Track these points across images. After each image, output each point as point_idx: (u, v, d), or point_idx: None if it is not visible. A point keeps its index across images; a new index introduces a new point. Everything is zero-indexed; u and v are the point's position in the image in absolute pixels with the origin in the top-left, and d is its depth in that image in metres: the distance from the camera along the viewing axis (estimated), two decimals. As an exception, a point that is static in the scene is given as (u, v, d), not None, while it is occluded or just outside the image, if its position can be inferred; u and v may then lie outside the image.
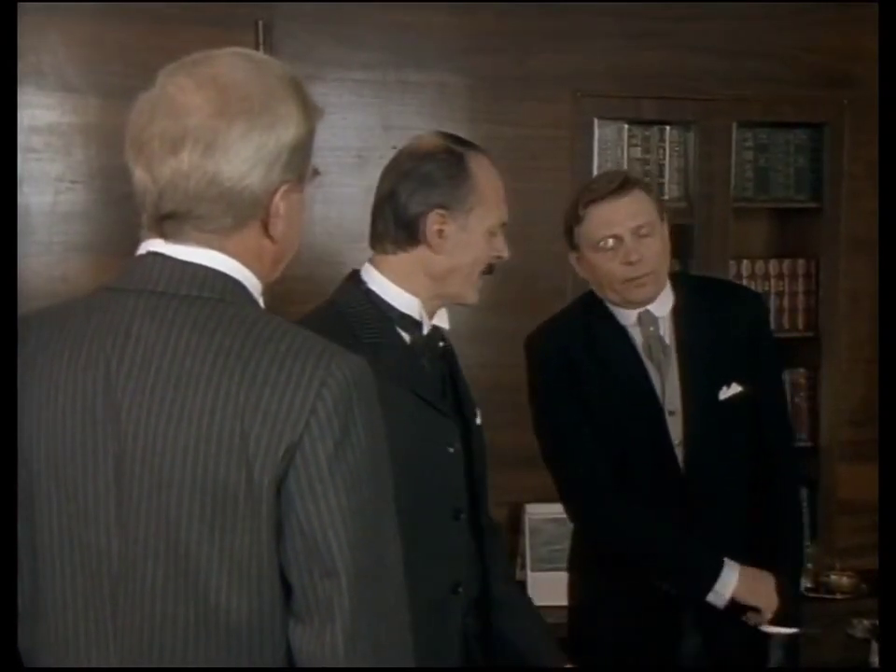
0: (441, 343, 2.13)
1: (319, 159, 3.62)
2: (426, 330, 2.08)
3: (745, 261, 3.89)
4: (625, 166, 3.80)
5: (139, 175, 1.44)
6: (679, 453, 2.51)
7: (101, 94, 3.34)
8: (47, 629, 1.47)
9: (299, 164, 1.48)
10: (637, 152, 3.84)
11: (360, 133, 3.58)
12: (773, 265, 3.94)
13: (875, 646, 3.36)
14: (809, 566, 3.77)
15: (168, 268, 1.44)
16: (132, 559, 1.41)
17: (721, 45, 3.78)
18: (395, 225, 2.04)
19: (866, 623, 3.35)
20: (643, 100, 3.75)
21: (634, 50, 3.72)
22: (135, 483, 1.40)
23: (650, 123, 3.84)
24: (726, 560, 2.48)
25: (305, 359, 1.38)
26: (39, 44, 3.34)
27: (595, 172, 3.73)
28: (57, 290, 3.27)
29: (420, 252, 2.04)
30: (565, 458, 2.56)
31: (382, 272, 2.07)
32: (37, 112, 3.35)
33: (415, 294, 2.06)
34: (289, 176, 1.46)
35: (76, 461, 1.43)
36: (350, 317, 2.03)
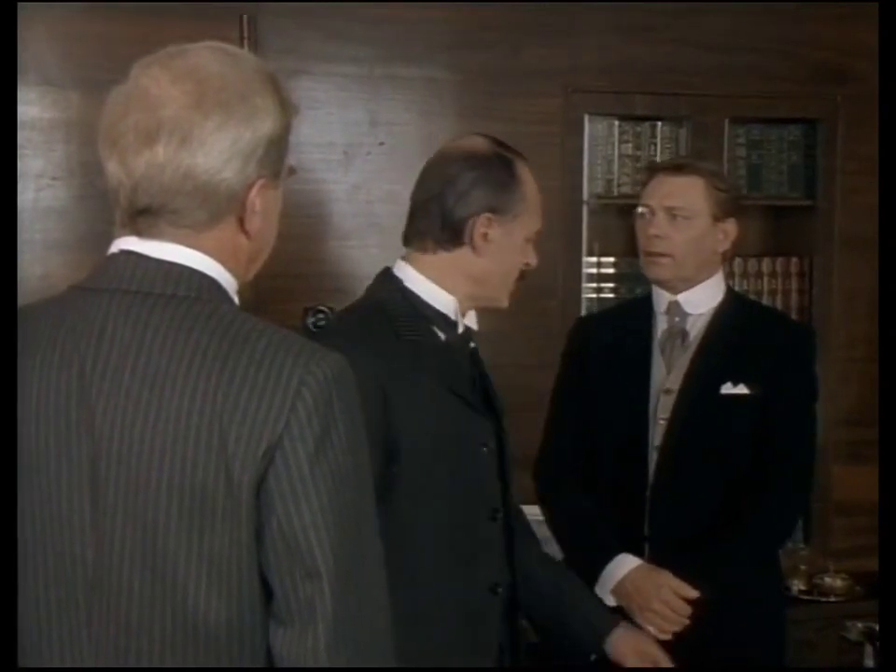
0: (471, 344, 2.15)
1: (305, 155, 3.60)
2: (460, 330, 2.10)
3: (738, 259, 3.84)
4: (616, 163, 3.77)
5: (112, 169, 1.41)
6: (657, 430, 2.52)
7: (82, 89, 3.28)
8: (21, 636, 1.43)
9: (275, 160, 1.46)
10: (629, 148, 3.80)
11: (347, 128, 3.53)
12: (766, 263, 3.90)
13: (868, 649, 3.33)
14: (803, 567, 3.73)
15: (141, 266, 1.41)
16: (107, 565, 1.38)
17: (714, 40, 3.74)
18: (441, 225, 2.05)
19: (860, 625, 3.31)
20: (635, 95, 3.71)
21: (625, 45, 3.67)
22: (110, 487, 1.37)
23: (641, 119, 3.80)
24: (626, 554, 2.46)
25: (284, 358, 1.36)
26: (22, 39, 3.27)
27: (586, 168, 3.70)
28: (37, 288, 3.21)
29: (462, 253, 2.06)
30: (543, 436, 2.69)
31: (419, 270, 2.08)
32: (19, 108, 3.29)
33: (452, 294, 2.08)
34: (265, 171, 1.44)
35: (49, 465, 1.40)
36: (390, 314, 2.04)
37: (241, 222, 1.44)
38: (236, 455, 1.33)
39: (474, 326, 2.15)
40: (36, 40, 3.30)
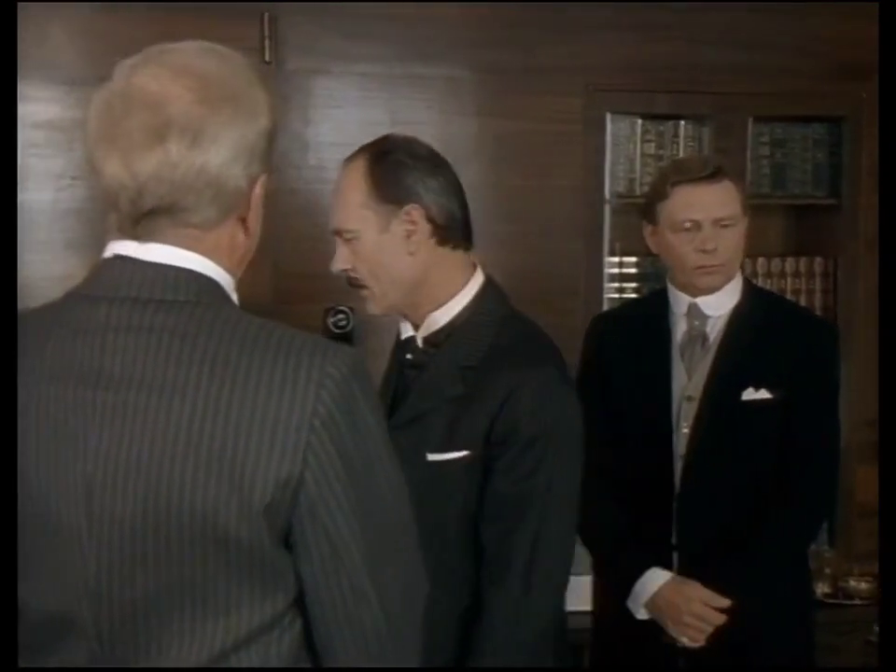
0: (407, 355, 2.09)
1: (324, 155, 3.58)
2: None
3: (760, 259, 3.81)
4: (638, 162, 3.74)
5: (113, 170, 1.35)
6: (681, 438, 2.49)
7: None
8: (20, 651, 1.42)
9: (269, 155, 1.44)
10: (651, 147, 3.77)
11: (366, 128, 3.49)
12: (790, 263, 3.86)
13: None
14: (827, 570, 3.70)
15: (139, 271, 1.37)
16: (109, 573, 1.35)
17: (737, 37, 3.70)
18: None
19: (885, 628, 3.28)
20: (657, 94, 3.68)
21: (647, 43, 3.64)
22: (116, 503, 1.33)
23: (663, 118, 3.77)
24: (656, 568, 2.45)
25: (298, 359, 1.33)
26: (42, 37, 3.28)
27: (608, 168, 3.67)
28: (56, 289, 3.21)
29: None
30: None
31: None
32: (40, 107, 3.29)
33: None
34: (264, 168, 1.42)
35: (48, 479, 1.35)
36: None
37: (241, 219, 1.42)
38: (258, 466, 1.30)
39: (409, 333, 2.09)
40: (58, 40, 3.30)
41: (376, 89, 3.52)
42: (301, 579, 1.38)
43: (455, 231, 2.01)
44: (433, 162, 2.02)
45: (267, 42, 3.33)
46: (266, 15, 3.35)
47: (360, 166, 2.01)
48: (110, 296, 1.37)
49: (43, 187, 3.28)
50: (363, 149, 2.05)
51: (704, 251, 2.45)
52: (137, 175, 1.34)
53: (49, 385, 1.36)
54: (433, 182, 1.99)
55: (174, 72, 1.36)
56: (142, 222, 1.37)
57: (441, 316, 2.02)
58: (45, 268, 3.27)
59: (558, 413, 1.91)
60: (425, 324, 2.03)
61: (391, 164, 1.99)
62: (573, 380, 2.06)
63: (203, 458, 1.30)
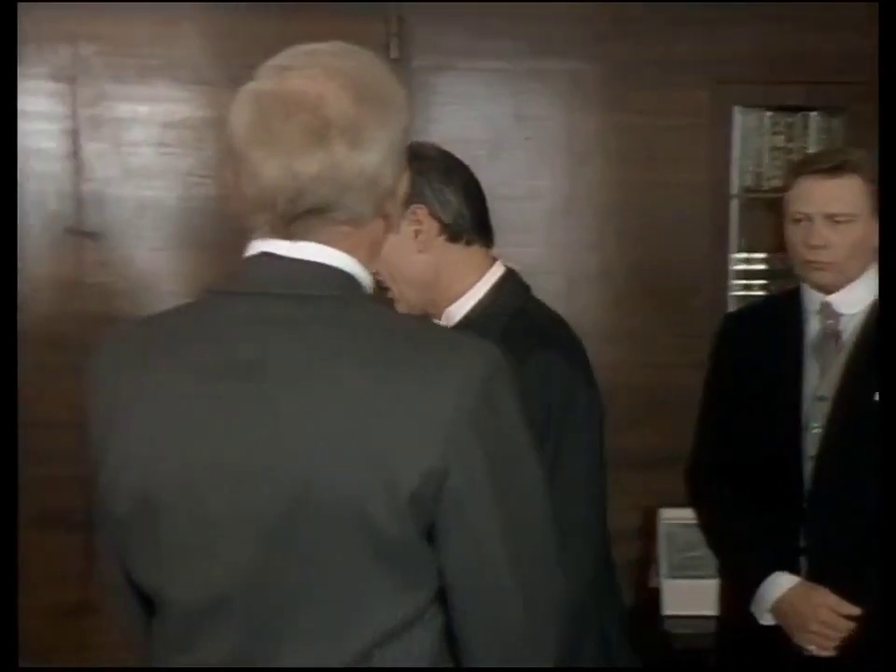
0: None
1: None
2: None
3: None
4: (766, 155, 3.67)
5: (273, 173, 1.36)
6: (811, 438, 2.42)
7: (232, 87, 3.32)
8: (157, 648, 1.45)
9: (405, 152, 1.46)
10: (780, 140, 3.70)
11: (491, 123, 3.50)
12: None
13: None
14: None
15: (284, 268, 1.39)
16: (264, 573, 1.35)
17: (870, 24, 3.60)
18: None
19: None
20: (786, 86, 3.60)
21: (776, 34, 3.56)
22: (264, 494, 1.34)
23: (793, 109, 3.69)
24: (782, 572, 2.38)
25: (441, 352, 1.35)
26: (172, 38, 3.34)
27: (736, 163, 3.61)
28: (183, 285, 3.27)
29: None
30: (694, 442, 2.59)
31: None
32: (170, 106, 3.35)
33: None
34: (405, 164, 1.45)
35: (196, 471, 1.37)
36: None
37: (387, 216, 1.44)
38: (404, 457, 1.31)
39: None
40: (187, 39, 3.35)
41: (500, 84, 3.51)
42: (441, 574, 1.38)
43: (464, 228, 2.06)
44: (443, 163, 2.09)
45: (393, 40, 3.34)
46: (392, 14, 3.36)
47: None
48: (255, 292, 1.39)
49: (172, 185, 3.34)
50: None
51: (811, 246, 2.38)
52: (299, 176, 1.35)
53: (196, 382, 1.37)
54: (439, 183, 2.05)
55: (327, 73, 1.38)
56: (298, 221, 1.38)
57: (457, 311, 2.07)
58: (173, 264, 3.33)
59: (559, 398, 1.91)
60: (443, 320, 2.08)
61: None
62: (584, 366, 2.02)
63: (350, 451, 1.31)
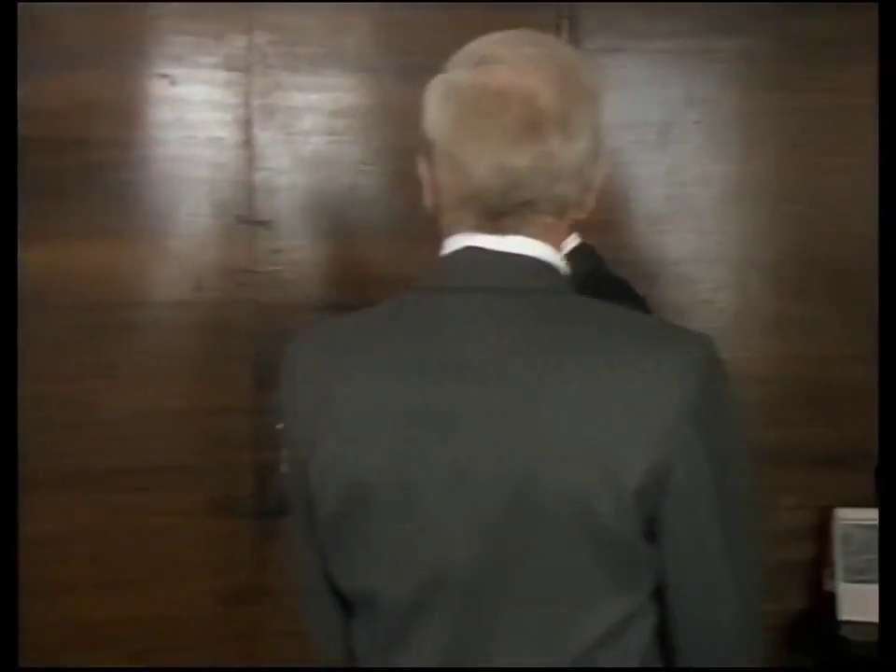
0: None
1: (618, 136, 3.50)
2: None
3: None
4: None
5: (485, 167, 1.35)
6: None
7: (396, 75, 3.33)
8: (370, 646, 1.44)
9: None
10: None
11: (662, 106, 3.42)
12: None
13: None
14: None
15: (493, 262, 1.39)
16: (482, 570, 1.34)
17: None
18: None
19: None
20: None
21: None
22: (484, 491, 1.33)
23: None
24: None
25: (661, 345, 1.34)
26: (343, 26, 3.35)
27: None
28: (353, 275, 3.29)
29: None
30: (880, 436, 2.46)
31: None
32: (338, 95, 3.37)
33: None
34: (602, 150, 1.44)
35: (410, 469, 1.36)
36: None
37: (582, 204, 1.43)
38: (628, 453, 1.29)
39: None
40: (355, 29, 3.37)
41: (670, 66, 3.42)
42: (661, 571, 1.36)
43: None
44: None
45: (564, 22, 3.30)
46: (562, -4, 3.32)
47: None
48: (466, 287, 1.38)
49: (341, 174, 3.36)
50: None
51: None
52: (513, 171, 1.35)
53: (407, 380, 1.36)
54: None
55: (532, 63, 1.37)
56: (505, 216, 1.38)
57: None
58: (342, 252, 3.36)
59: None
60: None
61: None
62: None
63: (572, 447, 1.30)
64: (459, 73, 1.39)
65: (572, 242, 2.21)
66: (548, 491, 1.30)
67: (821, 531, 3.40)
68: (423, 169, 1.46)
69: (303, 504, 1.45)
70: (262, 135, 3.31)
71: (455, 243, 1.41)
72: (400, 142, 3.29)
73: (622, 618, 1.34)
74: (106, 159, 3.20)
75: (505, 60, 1.37)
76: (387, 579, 1.39)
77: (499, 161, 1.34)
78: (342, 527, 1.40)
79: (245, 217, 3.29)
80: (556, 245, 1.42)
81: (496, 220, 1.38)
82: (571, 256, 2.16)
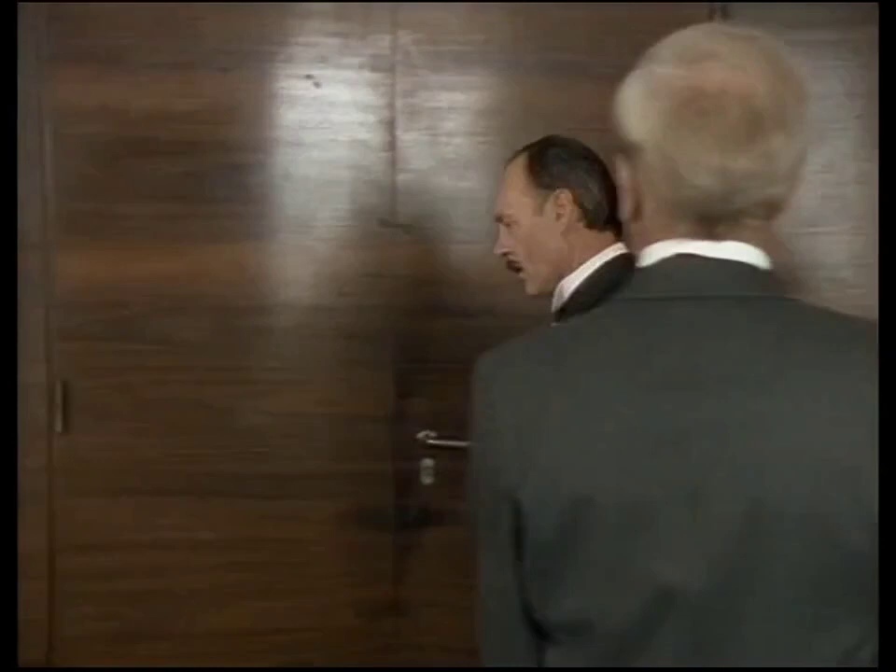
0: None
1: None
2: None
3: None
4: None
5: (705, 174, 1.30)
6: None
7: (541, 72, 3.24)
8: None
9: None
10: None
11: (820, 101, 3.27)
12: None
13: None
14: None
15: (710, 269, 1.33)
16: (711, 580, 1.28)
17: None
18: None
19: None
20: None
21: None
22: (722, 507, 1.27)
23: None
24: None
25: (871, 346, 1.28)
26: (486, 23, 3.29)
27: None
28: (495, 281, 3.22)
29: None
30: None
31: None
32: (484, 94, 3.31)
33: None
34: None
35: (641, 484, 1.29)
36: None
37: (787, 206, 1.37)
38: (872, 469, 1.23)
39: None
40: (500, 25, 3.29)
41: (830, 57, 3.28)
42: None
43: (601, 216, 2.31)
44: (586, 157, 2.33)
45: (717, 13, 3.19)
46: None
47: (522, 161, 2.39)
48: (685, 296, 1.33)
49: (485, 175, 3.30)
50: (526, 148, 2.43)
51: None
52: (736, 174, 1.29)
53: (633, 392, 1.30)
54: (583, 172, 2.31)
55: (748, 59, 1.30)
56: (722, 220, 1.33)
57: (571, 283, 2.31)
58: (484, 258, 3.28)
59: None
60: (557, 291, 2.34)
61: (548, 157, 2.36)
62: None
63: (812, 463, 1.24)
64: (668, 69, 1.32)
65: (614, 251, 2.28)
66: (787, 512, 1.24)
67: None
68: (623, 174, 1.40)
69: (505, 527, 1.38)
70: (406, 137, 3.26)
71: (661, 250, 1.35)
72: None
73: (858, 642, 1.28)
74: (248, 161, 3.20)
75: (719, 56, 1.30)
76: (607, 601, 1.32)
77: (722, 164, 1.29)
78: (557, 549, 1.34)
79: (388, 220, 3.24)
80: (764, 248, 1.36)
81: (711, 226, 1.33)
82: (611, 264, 2.25)
